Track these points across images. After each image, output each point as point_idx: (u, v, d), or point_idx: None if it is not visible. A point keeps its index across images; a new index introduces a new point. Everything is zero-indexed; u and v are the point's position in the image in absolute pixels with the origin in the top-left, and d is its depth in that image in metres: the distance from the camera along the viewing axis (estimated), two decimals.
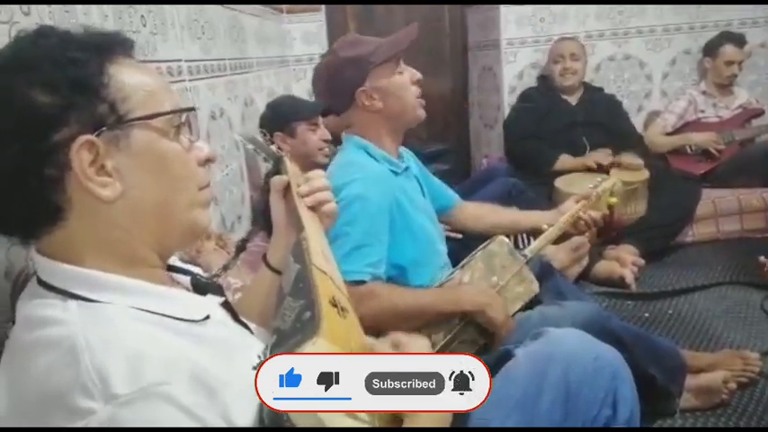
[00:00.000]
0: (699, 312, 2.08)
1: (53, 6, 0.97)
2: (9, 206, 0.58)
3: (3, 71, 0.56)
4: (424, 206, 1.42)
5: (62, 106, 0.56)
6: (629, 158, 2.60)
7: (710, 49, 2.98)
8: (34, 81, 0.55)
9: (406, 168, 1.41)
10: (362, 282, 1.18)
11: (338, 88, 1.36)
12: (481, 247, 1.39)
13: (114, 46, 0.62)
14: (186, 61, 1.65)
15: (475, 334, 1.26)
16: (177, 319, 0.60)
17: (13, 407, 0.54)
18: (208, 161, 0.69)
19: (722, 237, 2.71)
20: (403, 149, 1.50)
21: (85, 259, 0.59)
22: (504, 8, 3.10)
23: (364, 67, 1.32)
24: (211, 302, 0.68)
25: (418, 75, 1.39)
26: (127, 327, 0.55)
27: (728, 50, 2.90)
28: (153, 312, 0.59)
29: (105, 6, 1.18)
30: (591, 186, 1.61)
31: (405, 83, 1.36)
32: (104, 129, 0.58)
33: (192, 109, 0.68)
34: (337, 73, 1.35)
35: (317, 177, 0.87)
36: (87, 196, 0.58)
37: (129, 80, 0.60)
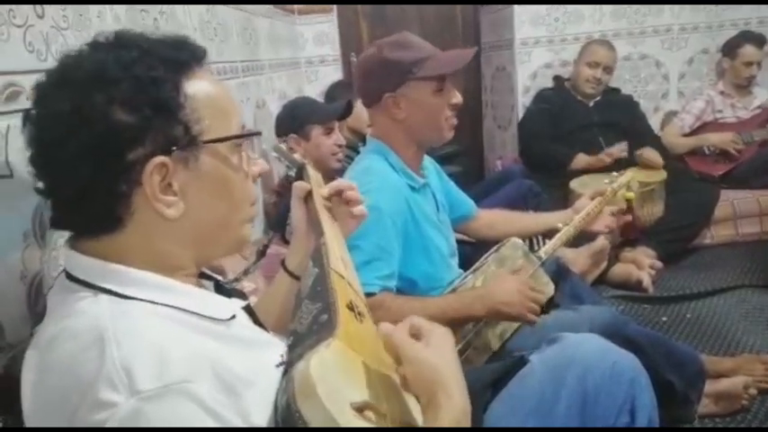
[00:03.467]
0: (718, 316, 2.04)
1: (67, 9, 0.97)
2: (74, 212, 0.60)
3: (85, 84, 0.56)
4: (439, 221, 1.40)
5: (140, 127, 0.57)
6: (650, 153, 2.57)
7: (730, 49, 2.93)
8: (115, 99, 0.56)
9: (425, 185, 1.38)
10: (372, 293, 1.17)
11: (370, 85, 1.33)
12: (494, 249, 1.37)
13: (190, 59, 0.62)
14: None
15: (488, 340, 1.25)
16: (205, 317, 0.61)
17: (38, 395, 0.55)
18: (260, 176, 0.71)
19: (741, 239, 2.67)
20: (427, 159, 1.47)
21: (125, 262, 0.60)
22: (517, 8, 3.08)
23: (402, 76, 1.27)
24: (235, 305, 0.69)
25: (459, 99, 1.33)
26: (154, 324, 0.56)
27: (748, 51, 2.85)
28: (182, 309, 0.59)
29: (118, 8, 1.19)
30: (606, 182, 1.58)
31: (439, 104, 1.30)
32: (176, 149, 0.59)
33: (259, 133, 0.72)
34: (374, 70, 1.31)
35: (343, 182, 0.89)
36: (150, 212, 0.59)
37: (202, 99, 0.61)
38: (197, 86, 0.61)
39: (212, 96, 0.63)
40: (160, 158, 0.58)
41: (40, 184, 0.60)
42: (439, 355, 0.63)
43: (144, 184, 0.58)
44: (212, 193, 0.63)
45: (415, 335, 0.66)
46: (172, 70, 0.60)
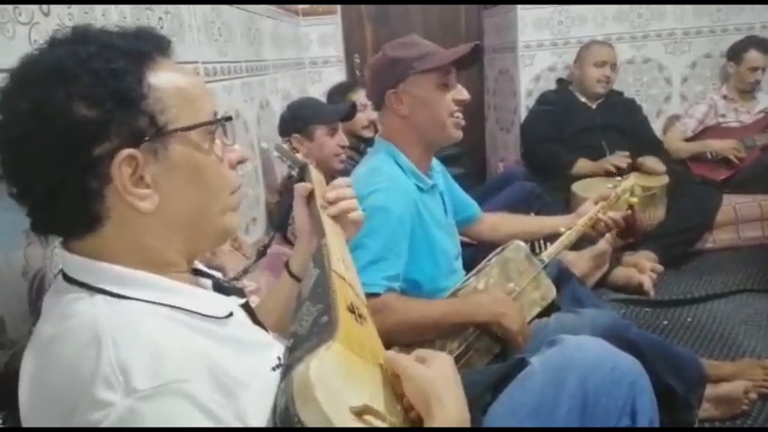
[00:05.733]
0: (719, 320, 2.04)
1: (72, 7, 0.98)
2: (49, 214, 0.59)
3: (43, 82, 0.56)
4: (446, 223, 1.40)
5: (103, 121, 0.56)
6: (651, 161, 2.57)
7: (735, 54, 2.93)
8: (75, 94, 0.55)
9: (433, 186, 1.38)
10: (377, 294, 1.16)
11: (375, 85, 1.36)
12: (496, 252, 1.37)
13: (152, 50, 0.61)
14: (203, 63, 1.66)
15: (490, 342, 1.24)
16: (202, 315, 0.61)
17: (36, 395, 0.55)
18: (239, 163, 0.69)
19: (743, 243, 2.67)
20: (434, 161, 1.46)
21: (116, 261, 0.59)
22: (521, 11, 3.08)
23: (403, 71, 1.29)
24: (233, 303, 0.69)
25: (465, 95, 1.33)
26: (151, 323, 0.55)
27: (753, 56, 2.85)
28: (177, 308, 0.59)
29: (124, 7, 1.19)
30: (610, 186, 1.58)
31: (443, 99, 1.30)
32: (144, 141, 0.58)
33: (230, 118, 0.68)
34: (377, 70, 1.34)
35: (342, 186, 0.87)
36: (126, 207, 0.58)
37: (167, 88, 0.60)
38: (161, 76, 0.60)
39: (178, 85, 0.61)
40: (127, 151, 0.56)
41: (14, 189, 0.59)
42: (436, 372, 0.64)
43: (114, 179, 0.57)
44: (187, 183, 0.61)
45: (421, 361, 0.67)
46: (133, 61, 0.58)
